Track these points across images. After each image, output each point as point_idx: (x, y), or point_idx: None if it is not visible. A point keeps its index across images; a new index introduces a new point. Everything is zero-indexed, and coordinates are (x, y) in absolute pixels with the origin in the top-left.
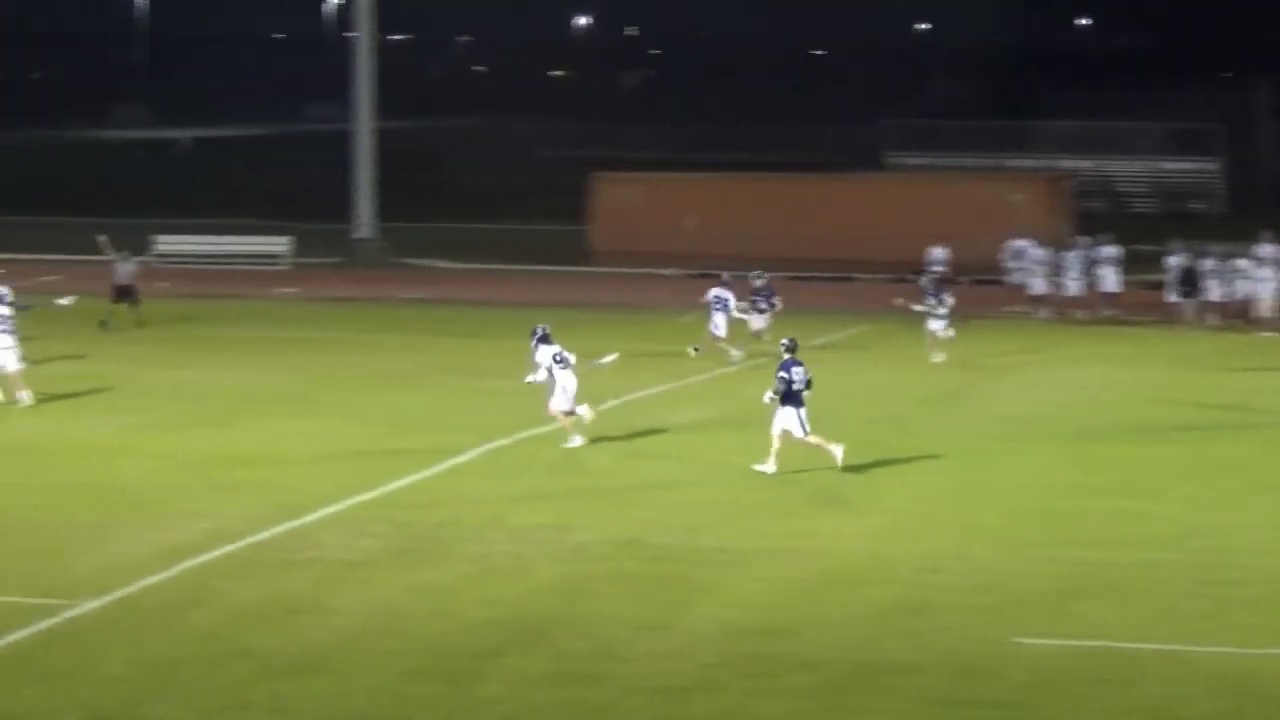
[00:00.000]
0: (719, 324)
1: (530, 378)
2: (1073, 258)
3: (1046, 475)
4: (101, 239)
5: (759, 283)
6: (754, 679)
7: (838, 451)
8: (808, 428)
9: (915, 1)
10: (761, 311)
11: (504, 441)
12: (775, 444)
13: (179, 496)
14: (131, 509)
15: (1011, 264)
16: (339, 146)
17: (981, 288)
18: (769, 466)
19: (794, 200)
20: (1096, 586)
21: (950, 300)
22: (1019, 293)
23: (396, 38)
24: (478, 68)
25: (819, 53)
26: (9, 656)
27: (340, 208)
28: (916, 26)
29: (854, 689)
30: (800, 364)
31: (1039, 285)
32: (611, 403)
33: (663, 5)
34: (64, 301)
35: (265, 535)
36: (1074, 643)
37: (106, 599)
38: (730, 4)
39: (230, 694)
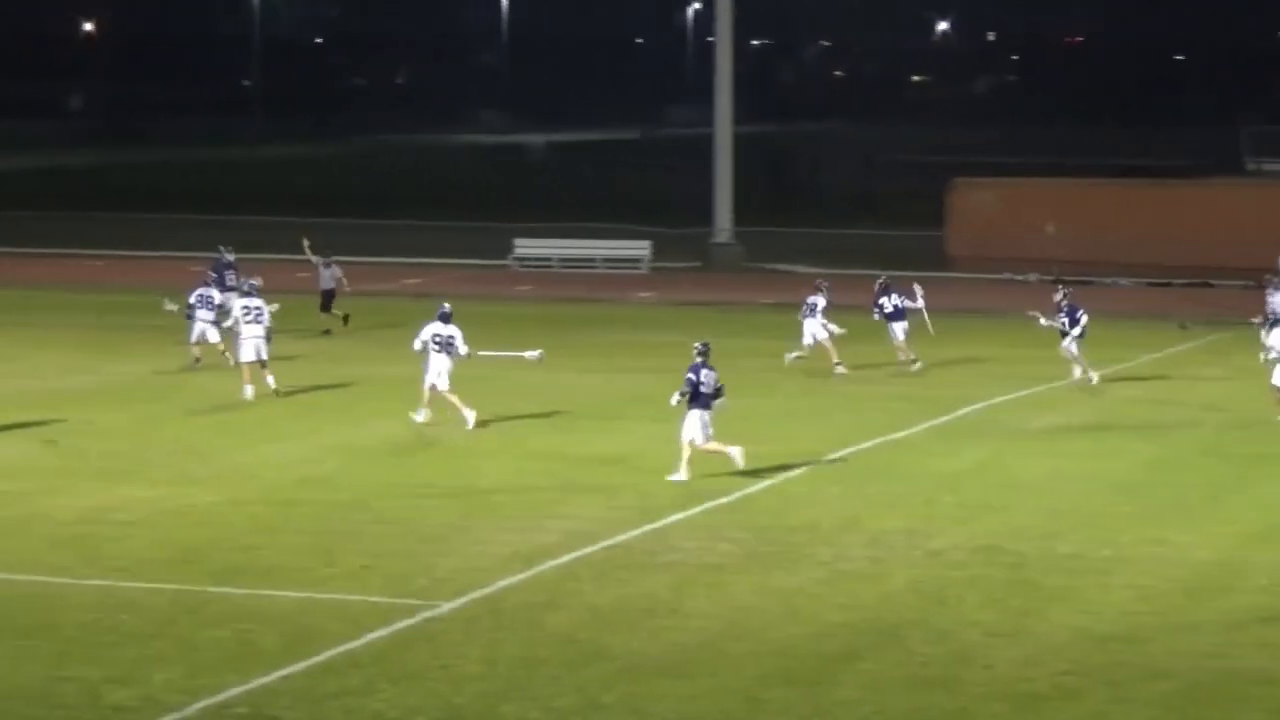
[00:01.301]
0: (810, 331)
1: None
2: None
3: None
4: (305, 242)
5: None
6: (1110, 687)
7: (736, 453)
8: (710, 433)
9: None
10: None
11: (862, 445)
12: (686, 451)
13: (538, 498)
14: (490, 510)
15: None
16: (696, 151)
17: None
18: (681, 475)
19: (1153, 206)
20: None
21: (1083, 318)
22: None
23: (756, 42)
24: (837, 72)
25: (1180, 57)
26: (367, 656)
27: (697, 212)
28: None
29: (1211, 699)
30: (712, 369)
31: None
32: (971, 408)
33: (1023, 10)
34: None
35: (623, 538)
36: None
37: (464, 600)
38: (1091, 9)
39: (585, 695)
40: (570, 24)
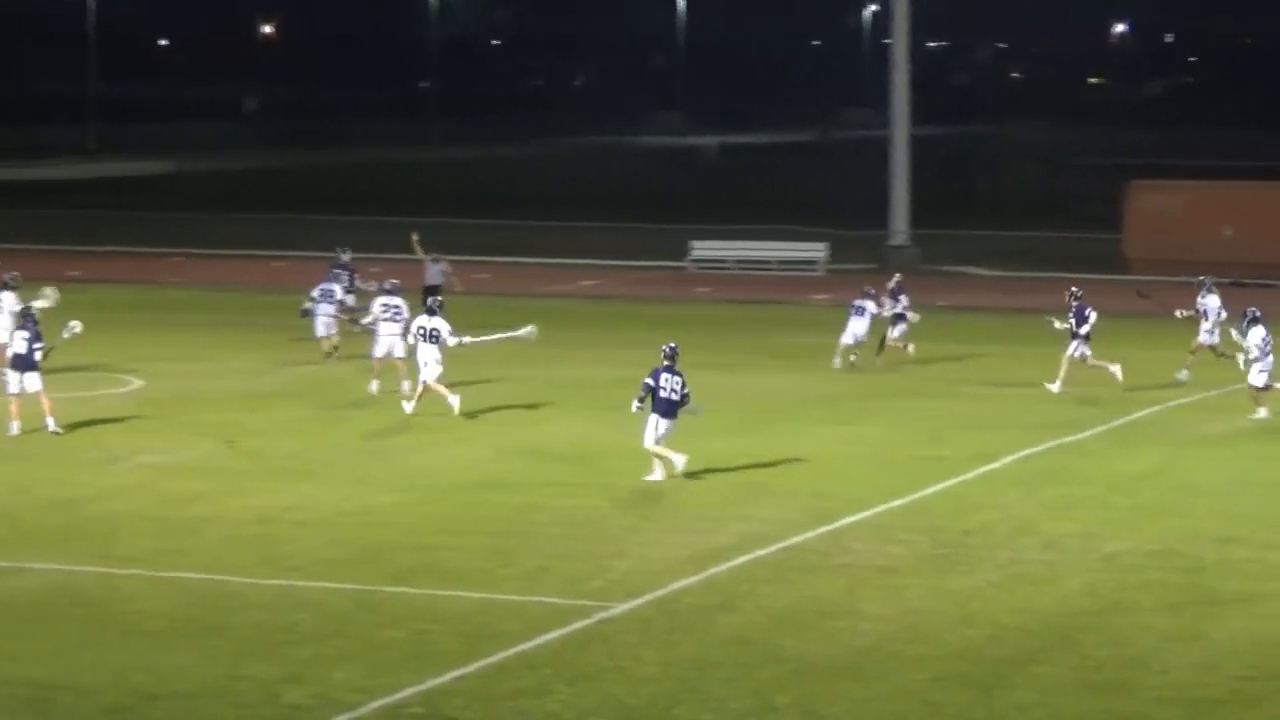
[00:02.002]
0: (854, 331)
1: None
2: None
3: None
4: (414, 237)
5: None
6: None
7: (679, 460)
8: (659, 435)
9: None
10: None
11: (1036, 449)
12: (652, 452)
13: (713, 500)
14: (666, 512)
15: None
16: (872, 152)
17: None
18: (655, 475)
19: None
20: None
21: (1091, 315)
22: None
23: (933, 44)
24: (1013, 74)
25: None
26: (542, 656)
27: (873, 214)
28: None
29: None
30: (676, 374)
31: None
32: (1145, 411)
33: (1200, 11)
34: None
35: (797, 540)
36: None
37: (639, 601)
38: (1273, 9)
39: (760, 697)
40: (746, 26)
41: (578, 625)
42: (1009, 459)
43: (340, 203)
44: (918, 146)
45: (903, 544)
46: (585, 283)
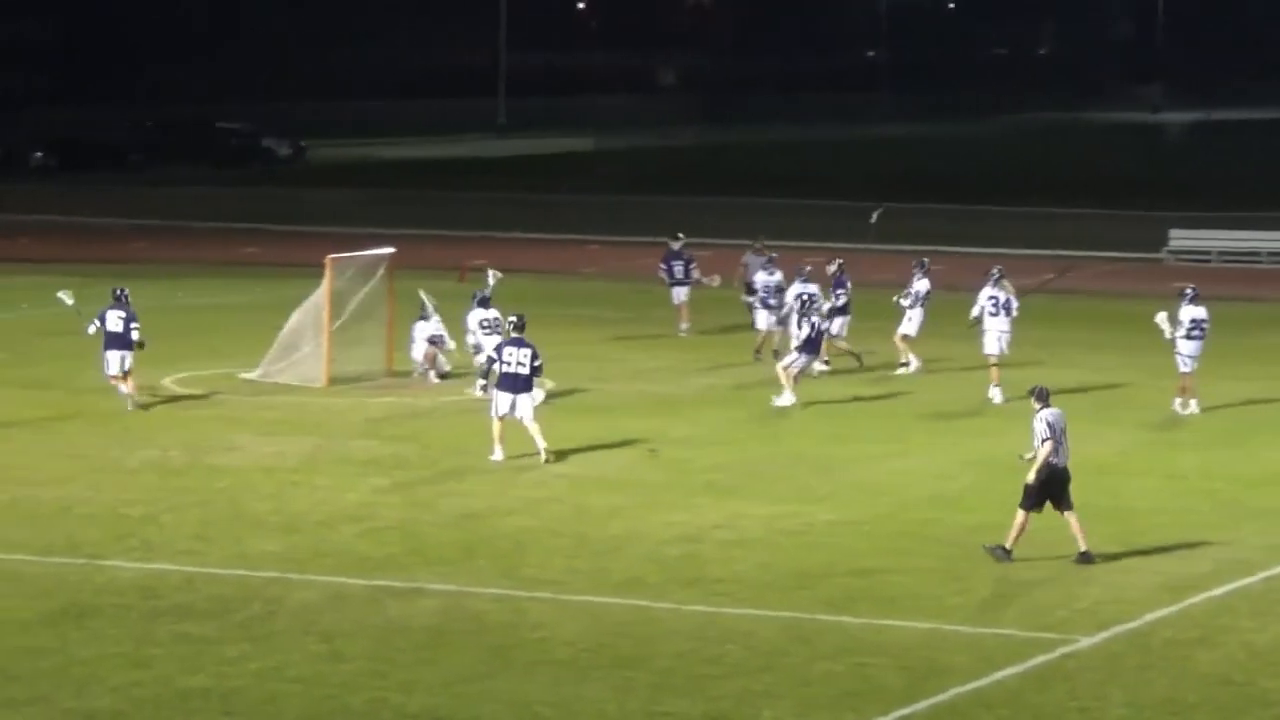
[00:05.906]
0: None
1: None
2: None
3: None
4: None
5: (831, 269)
6: None
7: (542, 449)
8: (509, 414)
9: None
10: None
11: None
12: (495, 428)
13: (1190, 522)
14: (1139, 534)
15: None
16: None
17: None
18: (496, 455)
19: None
20: None
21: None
22: None
23: None
24: None
25: None
26: (998, 695)
27: None
28: None
29: None
30: (525, 345)
31: None
32: None
33: None
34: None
35: None
36: None
37: (1107, 634)
38: None
39: None
40: None
41: (1038, 660)
42: None
43: (768, 185)
44: None
45: None
46: (1048, 275)
